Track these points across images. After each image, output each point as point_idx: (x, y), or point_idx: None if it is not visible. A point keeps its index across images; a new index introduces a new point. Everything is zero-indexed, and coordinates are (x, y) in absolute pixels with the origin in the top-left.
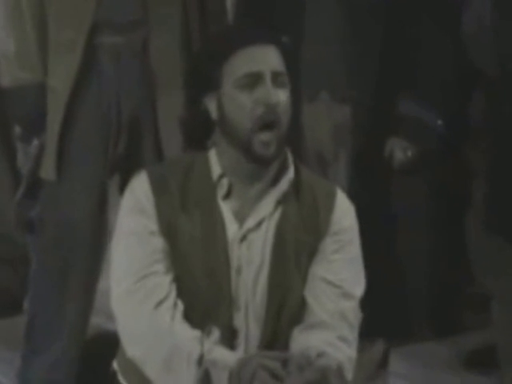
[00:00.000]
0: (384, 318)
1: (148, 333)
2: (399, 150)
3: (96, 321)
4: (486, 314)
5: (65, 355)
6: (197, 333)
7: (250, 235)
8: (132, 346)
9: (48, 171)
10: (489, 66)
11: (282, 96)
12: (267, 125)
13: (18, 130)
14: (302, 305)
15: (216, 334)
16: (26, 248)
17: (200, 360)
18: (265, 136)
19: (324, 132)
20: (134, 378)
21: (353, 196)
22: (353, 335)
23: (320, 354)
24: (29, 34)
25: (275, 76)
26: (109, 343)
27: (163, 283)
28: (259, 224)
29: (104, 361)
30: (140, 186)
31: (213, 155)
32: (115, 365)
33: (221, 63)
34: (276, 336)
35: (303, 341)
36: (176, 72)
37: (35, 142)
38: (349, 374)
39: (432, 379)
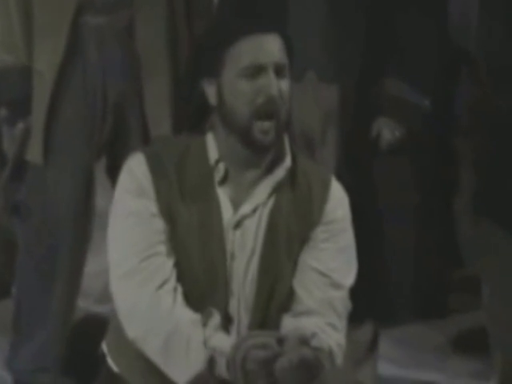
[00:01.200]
0: (372, 301)
1: (149, 313)
2: (387, 131)
3: (84, 304)
4: (475, 297)
5: (52, 340)
6: (197, 317)
7: (244, 222)
8: (133, 326)
9: (35, 154)
10: (472, 47)
11: (283, 87)
12: (267, 114)
13: (2, 112)
14: (291, 293)
15: (216, 317)
16: (13, 232)
17: (201, 345)
18: (264, 125)
19: (311, 113)
20: (122, 361)
21: (340, 177)
22: (341, 324)
23: (313, 335)
24: (14, 17)
25: (277, 67)
26: (97, 326)
27: (166, 265)
28: (254, 211)
29: (92, 344)
30: (138, 167)
31: (210, 139)
32: (104, 347)
33: (224, 49)
34: (265, 323)
35: (294, 325)
36: (162, 57)
37: (20, 125)
38: (338, 360)
39: (421, 362)
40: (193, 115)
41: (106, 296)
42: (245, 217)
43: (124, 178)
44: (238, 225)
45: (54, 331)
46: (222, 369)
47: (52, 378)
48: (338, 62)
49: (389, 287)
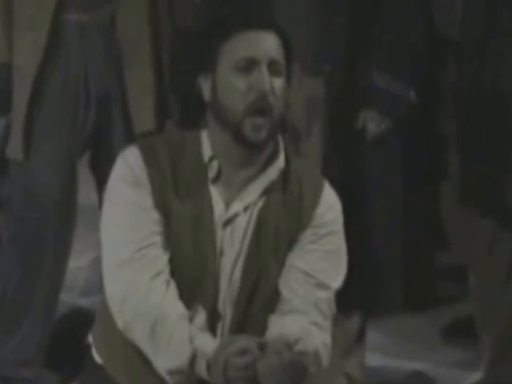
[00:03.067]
0: (360, 291)
1: (141, 301)
2: (372, 123)
3: (68, 298)
4: (462, 286)
5: (36, 332)
6: (185, 312)
7: (235, 219)
8: (123, 313)
9: (15, 151)
10: (456, 35)
11: (276, 84)
12: (259, 111)
13: None
14: (277, 293)
15: (202, 315)
16: None
17: (184, 340)
18: (256, 121)
19: (296, 104)
20: (106, 352)
21: (325, 168)
22: (326, 324)
23: (297, 340)
24: None
25: (272, 64)
26: (81, 320)
27: (161, 257)
28: (245, 209)
29: (76, 337)
30: (134, 160)
31: (204, 136)
32: (90, 338)
33: (219, 44)
34: (246, 321)
35: (278, 327)
36: (144, 47)
37: (1, 122)
38: (324, 360)
39: (408, 352)
40: (190, 112)
41: (89, 289)
42: (236, 215)
43: (120, 168)
44: (228, 222)
45: (37, 324)
46: (202, 369)
47: (36, 371)
48: (322, 53)
49: (376, 277)
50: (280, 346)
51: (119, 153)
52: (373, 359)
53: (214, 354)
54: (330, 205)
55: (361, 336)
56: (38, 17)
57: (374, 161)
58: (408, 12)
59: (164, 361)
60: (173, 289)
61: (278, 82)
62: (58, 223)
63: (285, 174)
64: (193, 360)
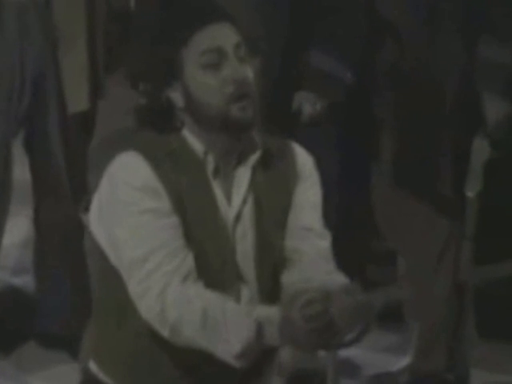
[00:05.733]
0: None
1: (180, 301)
2: (308, 104)
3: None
4: (391, 270)
5: None
6: (224, 295)
7: (241, 214)
8: (165, 319)
9: None
10: (395, 16)
11: (248, 71)
12: (240, 97)
13: None
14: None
15: (245, 291)
16: None
17: (239, 317)
18: (241, 103)
19: None
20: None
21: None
22: (336, 270)
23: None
24: None
25: (237, 49)
26: (14, 298)
27: (188, 257)
28: (244, 200)
29: (10, 315)
30: (140, 166)
31: (188, 135)
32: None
33: (180, 48)
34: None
35: (304, 279)
36: (79, 27)
37: None
38: None
39: None
40: (156, 120)
41: (21, 268)
42: (240, 209)
43: (126, 176)
44: (237, 218)
45: None
46: (272, 336)
47: None
48: (260, 34)
49: None
50: (350, 287)
51: (53, 132)
52: None
53: (281, 316)
54: (305, 155)
55: None
56: None
57: (308, 143)
58: None
59: (228, 346)
60: (202, 285)
61: (249, 70)
62: None
63: (264, 153)
64: (259, 332)
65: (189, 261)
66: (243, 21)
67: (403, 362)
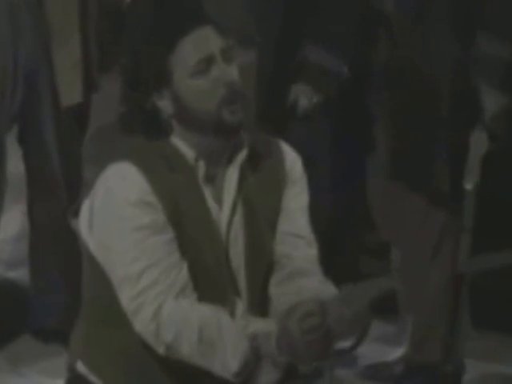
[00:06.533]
0: None
1: (176, 318)
2: (304, 97)
3: None
4: (385, 261)
5: None
6: (218, 307)
7: (232, 218)
8: (161, 338)
9: None
10: (390, 10)
11: (234, 71)
12: (231, 100)
13: None
14: (272, 263)
15: (240, 304)
16: None
17: (235, 332)
18: (231, 107)
19: None
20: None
21: None
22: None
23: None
24: None
25: (224, 53)
26: (8, 292)
27: (183, 271)
28: (235, 203)
29: (4, 308)
30: (133, 177)
31: (178, 142)
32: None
33: (166, 55)
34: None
35: (295, 289)
36: (72, 24)
37: None
38: None
39: None
40: (141, 127)
41: (16, 261)
42: (231, 213)
43: (121, 190)
44: (230, 223)
45: None
46: (269, 349)
47: None
48: (256, 27)
49: None
50: (345, 297)
51: (47, 127)
52: None
53: (278, 329)
54: (293, 154)
55: None
56: None
57: (304, 137)
58: None
59: (226, 364)
60: (196, 298)
61: (235, 69)
62: None
63: (250, 153)
64: (256, 348)
65: (183, 274)
66: (238, 14)
67: (398, 352)
